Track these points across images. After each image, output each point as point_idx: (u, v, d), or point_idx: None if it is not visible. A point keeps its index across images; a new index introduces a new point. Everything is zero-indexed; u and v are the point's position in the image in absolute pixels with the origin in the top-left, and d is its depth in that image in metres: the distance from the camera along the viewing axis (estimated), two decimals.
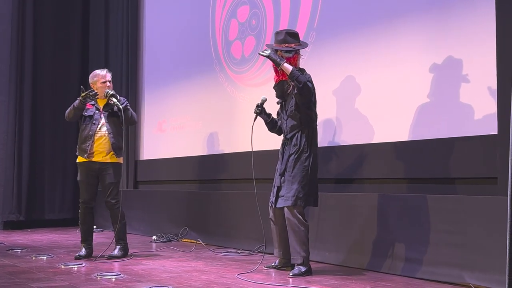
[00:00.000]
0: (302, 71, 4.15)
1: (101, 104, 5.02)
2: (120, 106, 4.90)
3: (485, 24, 3.82)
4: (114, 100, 4.90)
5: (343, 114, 4.91)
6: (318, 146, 4.27)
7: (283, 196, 4.08)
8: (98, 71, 5.08)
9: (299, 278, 3.90)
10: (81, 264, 4.52)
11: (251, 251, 5.26)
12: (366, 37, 4.72)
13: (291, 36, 4.19)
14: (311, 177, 4.09)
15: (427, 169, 4.18)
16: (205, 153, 6.63)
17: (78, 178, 5.01)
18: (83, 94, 4.85)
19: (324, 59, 5.11)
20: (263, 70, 5.77)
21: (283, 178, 4.12)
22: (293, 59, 4.16)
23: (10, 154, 8.05)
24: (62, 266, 4.42)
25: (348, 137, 4.84)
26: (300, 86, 3.99)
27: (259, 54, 4.20)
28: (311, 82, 4.10)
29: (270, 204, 4.25)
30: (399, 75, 4.45)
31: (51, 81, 8.51)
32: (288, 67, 4.05)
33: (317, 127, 4.24)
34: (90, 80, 5.07)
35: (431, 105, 4.22)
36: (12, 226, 7.99)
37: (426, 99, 4.25)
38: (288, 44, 4.15)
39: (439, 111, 4.15)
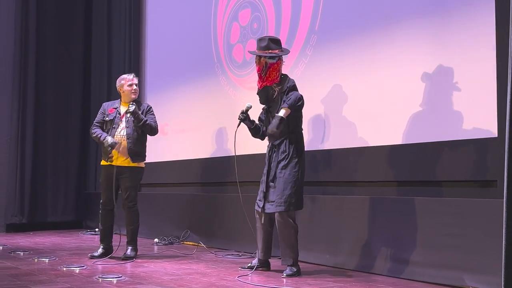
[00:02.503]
0: (285, 77, 4.26)
1: (123, 108, 5.07)
2: (140, 118, 4.93)
3: (485, 27, 3.83)
4: (130, 115, 4.93)
5: (340, 117, 4.93)
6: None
7: (273, 201, 4.15)
8: (125, 75, 5.19)
9: (295, 279, 3.98)
10: (83, 266, 4.54)
11: (252, 253, 5.27)
12: (368, 40, 4.73)
13: (274, 42, 4.28)
14: (301, 182, 4.18)
15: (426, 172, 4.19)
16: (207, 156, 6.64)
17: (100, 180, 5.16)
18: (109, 144, 4.87)
19: (325, 62, 5.13)
20: None
21: (272, 184, 4.19)
22: (277, 64, 4.24)
23: (13, 157, 8.08)
24: (64, 269, 4.45)
25: (350, 140, 4.85)
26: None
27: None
28: (295, 88, 4.21)
29: (256, 209, 4.32)
30: (398, 78, 4.46)
31: (54, 84, 8.53)
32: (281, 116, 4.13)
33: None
34: (117, 84, 5.17)
35: (431, 108, 4.23)
36: (15, 228, 8.01)
37: (426, 102, 4.26)
38: (272, 51, 4.23)
39: (439, 114, 4.16)
